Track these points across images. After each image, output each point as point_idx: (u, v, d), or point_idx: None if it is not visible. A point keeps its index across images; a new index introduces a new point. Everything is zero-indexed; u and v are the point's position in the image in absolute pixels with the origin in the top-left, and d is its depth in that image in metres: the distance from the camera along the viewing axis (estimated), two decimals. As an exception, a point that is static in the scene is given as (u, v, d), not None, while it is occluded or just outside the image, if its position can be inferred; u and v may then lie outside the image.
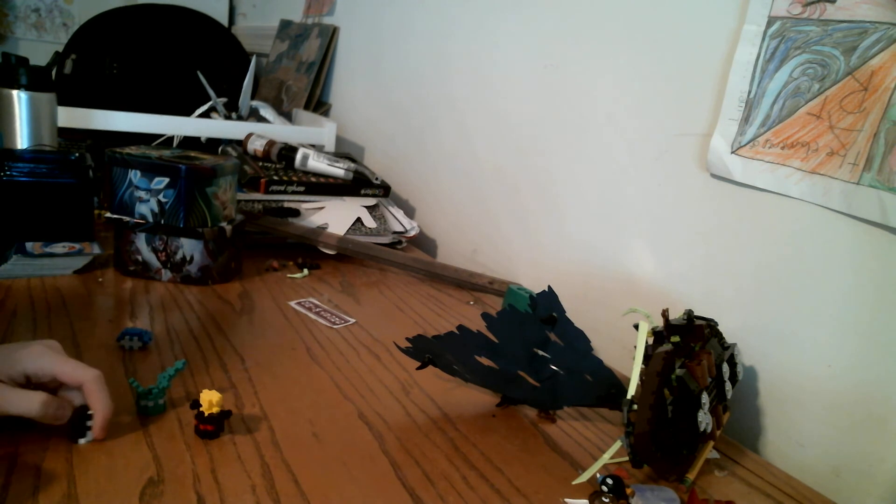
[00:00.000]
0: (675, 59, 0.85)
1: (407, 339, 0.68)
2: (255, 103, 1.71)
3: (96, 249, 0.95)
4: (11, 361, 0.55)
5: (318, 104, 1.83)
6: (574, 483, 0.59)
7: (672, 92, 0.86)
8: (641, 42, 0.90)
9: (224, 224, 0.97)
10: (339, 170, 1.25)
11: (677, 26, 0.85)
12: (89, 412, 0.55)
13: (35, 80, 1.06)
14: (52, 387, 0.57)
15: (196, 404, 0.59)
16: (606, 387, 0.67)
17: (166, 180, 0.92)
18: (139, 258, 0.95)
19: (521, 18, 1.12)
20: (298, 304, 0.93)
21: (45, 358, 0.56)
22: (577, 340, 0.68)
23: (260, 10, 2.46)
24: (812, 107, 0.70)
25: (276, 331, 0.83)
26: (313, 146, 1.33)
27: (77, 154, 0.99)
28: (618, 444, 0.59)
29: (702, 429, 0.62)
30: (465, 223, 1.29)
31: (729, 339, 0.76)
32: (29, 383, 0.55)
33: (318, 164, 1.25)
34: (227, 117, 1.67)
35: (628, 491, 0.56)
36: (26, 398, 0.53)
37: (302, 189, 1.20)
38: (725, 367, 0.70)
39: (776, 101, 0.73)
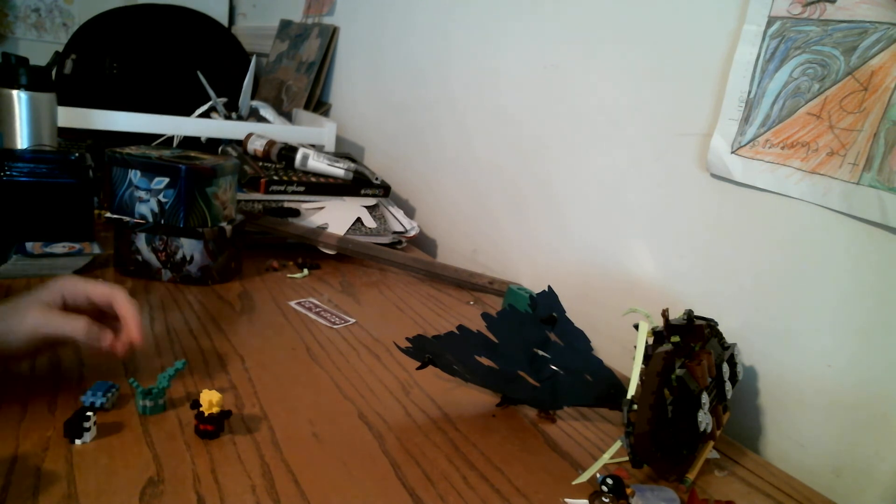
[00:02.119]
0: (675, 59, 0.85)
1: (407, 339, 0.68)
2: (255, 103, 1.71)
3: (96, 249, 0.95)
4: (50, 289, 0.62)
5: (318, 104, 1.83)
6: (574, 483, 0.59)
7: (672, 92, 0.86)
8: (641, 42, 0.90)
9: (224, 224, 0.97)
10: (339, 170, 1.25)
11: (677, 26, 0.85)
12: (88, 413, 0.55)
13: (35, 80, 1.06)
14: (84, 310, 0.63)
15: (196, 404, 0.59)
16: (606, 387, 0.67)
17: (166, 180, 0.92)
18: (139, 258, 0.95)
19: (521, 18, 1.12)
20: (298, 304, 0.93)
21: (78, 282, 0.63)
22: (577, 340, 0.68)
23: (260, 10, 2.46)
24: (812, 107, 0.70)
25: (276, 331, 0.83)
26: (313, 146, 1.33)
27: (77, 154, 0.99)
28: (618, 444, 0.59)
29: (702, 429, 0.62)
30: (465, 223, 1.28)
31: (729, 338, 0.76)
32: (66, 308, 0.62)
33: (318, 164, 1.25)
34: (227, 117, 1.67)
35: (628, 491, 0.56)
36: (72, 321, 0.60)
37: (302, 189, 1.20)
38: (725, 367, 0.70)
39: (776, 101, 0.73)
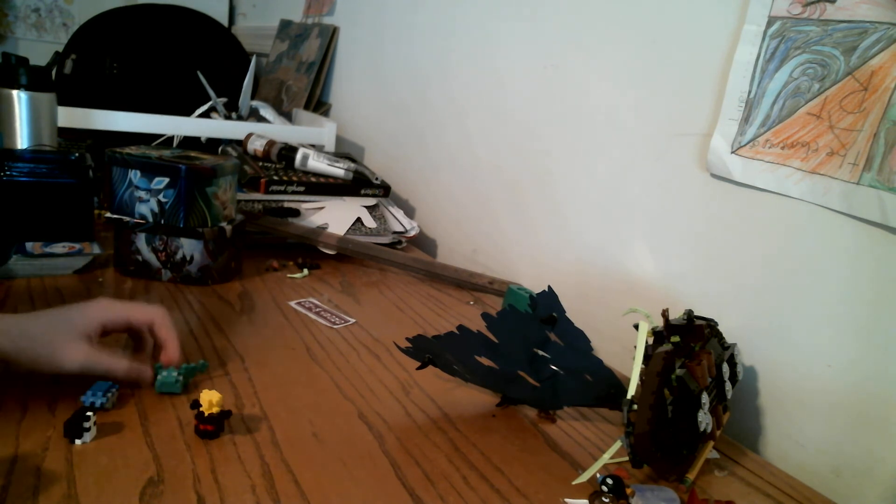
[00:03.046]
0: (675, 59, 0.85)
1: (407, 339, 0.68)
2: (255, 103, 1.71)
3: (96, 249, 0.95)
4: (88, 318, 0.63)
5: (318, 104, 1.83)
6: (574, 483, 0.59)
7: (672, 92, 0.86)
8: (641, 42, 0.90)
9: (224, 224, 0.97)
10: (339, 170, 1.25)
11: (677, 26, 0.85)
12: (88, 413, 0.55)
13: (35, 80, 1.06)
14: (121, 332, 0.66)
15: (196, 404, 0.59)
16: (606, 387, 0.67)
17: (166, 180, 0.92)
18: (139, 258, 0.95)
19: (521, 19, 1.12)
20: (298, 304, 0.93)
21: (115, 308, 0.65)
22: (577, 340, 0.68)
23: (260, 10, 2.46)
24: (812, 107, 0.70)
25: (276, 331, 0.83)
26: (313, 146, 1.33)
27: (77, 154, 0.99)
28: (618, 444, 0.59)
29: (702, 429, 0.62)
30: (465, 223, 1.28)
31: (729, 339, 0.76)
32: (104, 333, 0.64)
33: (318, 164, 1.25)
34: (227, 117, 1.67)
35: (628, 491, 0.56)
36: (118, 363, 0.62)
37: (302, 189, 1.20)
38: (725, 367, 0.70)
39: (776, 101, 0.73)
